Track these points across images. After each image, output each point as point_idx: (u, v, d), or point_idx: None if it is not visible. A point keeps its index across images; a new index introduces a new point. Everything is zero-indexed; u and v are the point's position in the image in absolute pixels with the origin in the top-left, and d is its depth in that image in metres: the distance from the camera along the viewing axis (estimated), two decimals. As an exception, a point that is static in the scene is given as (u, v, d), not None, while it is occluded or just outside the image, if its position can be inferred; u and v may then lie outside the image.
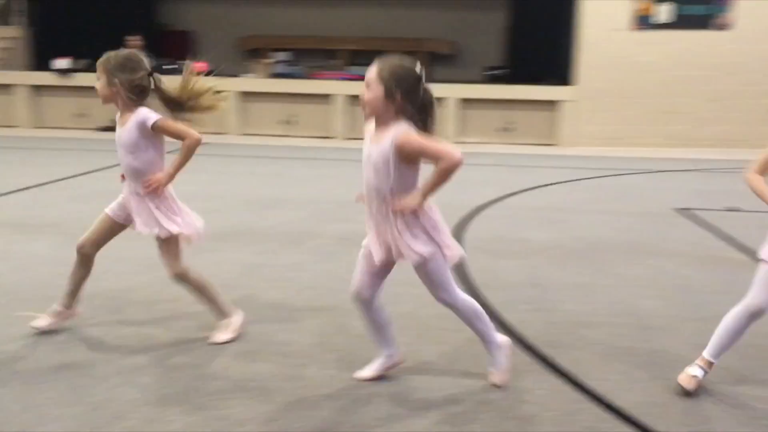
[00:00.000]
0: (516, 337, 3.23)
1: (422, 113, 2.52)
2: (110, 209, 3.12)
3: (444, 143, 2.47)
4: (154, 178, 2.97)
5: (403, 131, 2.47)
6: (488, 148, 10.54)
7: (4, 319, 3.32)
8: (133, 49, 3.12)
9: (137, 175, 2.99)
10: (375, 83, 2.48)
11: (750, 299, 2.62)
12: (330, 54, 15.27)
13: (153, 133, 2.96)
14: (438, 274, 2.63)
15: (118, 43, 11.42)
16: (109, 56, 2.98)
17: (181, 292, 3.28)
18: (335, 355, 3.02)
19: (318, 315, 3.50)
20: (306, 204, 6.24)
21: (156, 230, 2.99)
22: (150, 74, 3.00)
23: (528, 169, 8.75)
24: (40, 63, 13.07)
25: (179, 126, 2.98)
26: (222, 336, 3.12)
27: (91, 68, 15.04)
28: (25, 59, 13.30)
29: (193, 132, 2.99)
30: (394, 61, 2.53)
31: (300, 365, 2.91)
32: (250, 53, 14.85)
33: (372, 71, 2.50)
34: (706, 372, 2.72)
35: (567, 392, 2.74)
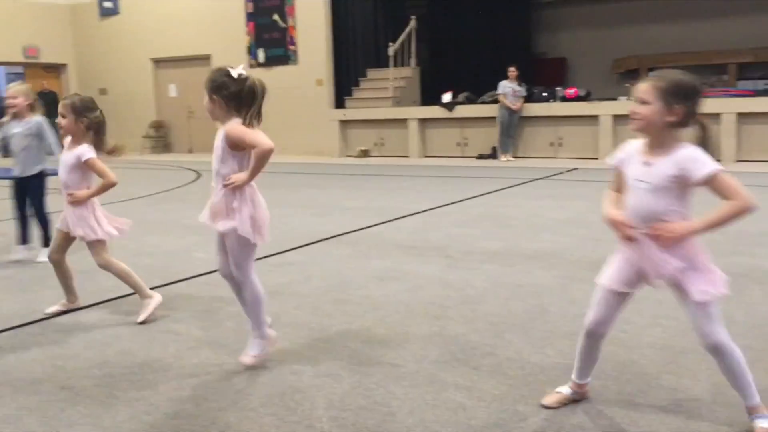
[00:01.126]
0: None
1: (245, 106, 2.99)
2: (60, 225, 4.03)
3: (259, 133, 2.98)
4: (76, 192, 3.91)
5: (229, 124, 3.03)
6: None
7: (400, 332, 3.63)
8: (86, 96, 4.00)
9: (66, 187, 3.94)
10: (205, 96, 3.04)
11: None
12: (715, 69, 14.04)
13: (84, 165, 3.89)
14: (240, 252, 3.05)
15: (497, 74, 12.09)
16: (74, 100, 3.88)
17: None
18: (727, 410, 2.66)
19: (706, 360, 3.14)
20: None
21: (80, 232, 3.90)
22: (100, 113, 3.91)
23: None
24: (426, 98, 14.41)
25: (103, 167, 3.89)
26: (143, 315, 3.88)
27: (470, 101, 15.83)
28: (414, 95, 14.80)
29: (111, 174, 3.88)
30: (211, 74, 3.03)
31: (695, 416, 2.63)
32: (626, 75, 14.39)
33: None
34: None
35: None
